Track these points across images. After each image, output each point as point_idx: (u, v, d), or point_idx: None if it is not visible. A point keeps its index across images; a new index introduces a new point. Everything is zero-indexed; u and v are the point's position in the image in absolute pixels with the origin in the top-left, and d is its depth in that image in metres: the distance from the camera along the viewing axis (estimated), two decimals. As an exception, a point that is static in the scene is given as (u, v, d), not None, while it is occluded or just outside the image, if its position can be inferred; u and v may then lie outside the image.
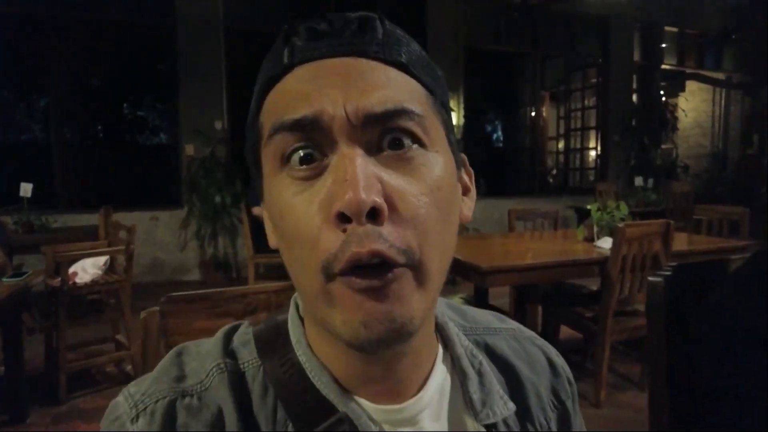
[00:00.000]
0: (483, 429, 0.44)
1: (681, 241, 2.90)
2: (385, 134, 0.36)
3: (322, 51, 0.38)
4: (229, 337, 0.46)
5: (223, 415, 0.40)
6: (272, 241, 0.43)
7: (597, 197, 5.74)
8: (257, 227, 4.24)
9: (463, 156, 0.46)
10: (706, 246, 2.79)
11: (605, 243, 2.58)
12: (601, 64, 7.10)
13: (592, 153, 7.60)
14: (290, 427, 0.40)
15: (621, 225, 2.32)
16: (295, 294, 0.46)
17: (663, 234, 2.41)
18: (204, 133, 5.22)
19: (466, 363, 0.46)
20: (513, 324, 0.55)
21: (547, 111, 8.42)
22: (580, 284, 3.11)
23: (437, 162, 0.38)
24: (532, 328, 0.57)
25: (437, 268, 0.37)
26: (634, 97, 7.33)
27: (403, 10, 5.94)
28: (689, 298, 0.86)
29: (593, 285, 3.01)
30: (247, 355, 0.44)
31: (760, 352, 0.74)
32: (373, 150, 0.36)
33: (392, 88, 0.37)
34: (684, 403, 0.83)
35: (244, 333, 0.46)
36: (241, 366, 0.43)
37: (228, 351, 0.44)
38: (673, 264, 0.92)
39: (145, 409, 0.40)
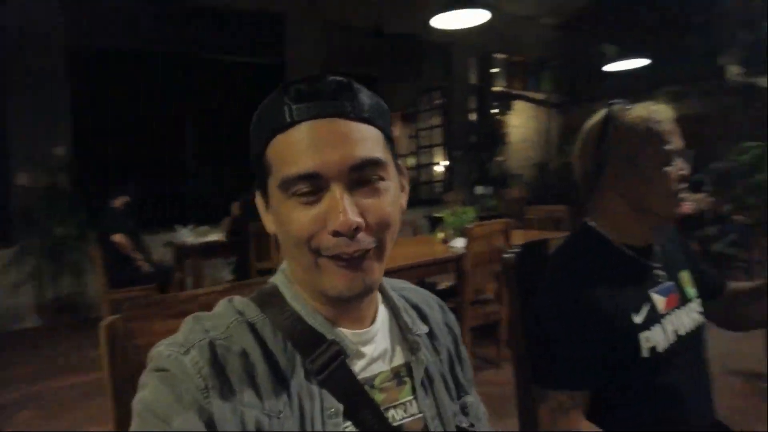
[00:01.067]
0: (416, 338, 0.67)
1: (518, 237, 3.37)
2: (361, 174, 0.56)
3: (314, 112, 0.55)
4: (232, 303, 0.62)
5: (248, 352, 0.56)
6: (270, 228, 0.63)
7: (446, 206, 6.33)
8: (113, 258, 3.90)
9: (401, 165, 0.66)
10: (538, 239, 3.28)
11: (458, 243, 2.92)
12: (445, 86, 7.87)
13: (440, 167, 8.35)
14: (297, 355, 0.58)
15: (470, 226, 2.67)
16: (281, 267, 0.66)
17: (504, 231, 2.82)
18: (40, 160, 4.67)
19: (397, 302, 0.70)
20: (415, 286, 0.80)
21: (400, 131, 9.02)
22: (432, 282, 3.47)
23: (392, 187, 0.59)
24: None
25: (389, 246, 0.60)
26: (474, 116, 8.23)
27: (261, 33, 5.98)
28: (533, 269, 1.13)
29: (443, 283, 3.38)
30: (253, 312, 0.61)
31: (575, 310, 0.99)
32: (353, 185, 0.56)
33: (365, 142, 0.56)
34: (536, 354, 1.07)
35: (241, 301, 0.63)
36: (250, 319, 0.60)
37: (237, 311, 0.60)
38: (521, 243, 1.19)
39: (192, 346, 0.54)
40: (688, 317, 1.06)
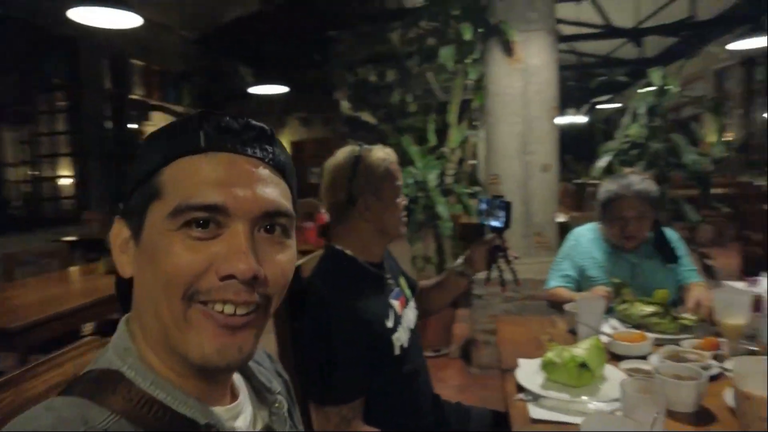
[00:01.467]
0: (277, 396, 0.65)
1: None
2: (268, 222, 0.52)
3: (232, 146, 0.51)
4: (60, 412, 0.45)
5: None
6: (128, 271, 0.52)
7: (88, 226, 5.45)
8: None
9: None
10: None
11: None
12: (70, 86, 6.71)
13: (67, 181, 7.08)
14: None
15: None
16: (116, 346, 0.52)
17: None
18: None
19: (249, 364, 0.64)
20: None
21: (4, 134, 7.15)
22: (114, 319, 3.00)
23: (292, 245, 0.56)
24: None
25: (272, 311, 0.54)
26: (109, 124, 7.34)
27: None
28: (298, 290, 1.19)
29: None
30: (98, 414, 0.46)
31: (343, 326, 1.12)
32: (255, 228, 0.51)
33: (277, 191, 0.53)
34: (312, 375, 1.14)
35: (72, 402, 0.46)
36: (100, 425, 0.45)
37: (79, 420, 0.44)
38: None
39: None
40: (412, 313, 1.36)
